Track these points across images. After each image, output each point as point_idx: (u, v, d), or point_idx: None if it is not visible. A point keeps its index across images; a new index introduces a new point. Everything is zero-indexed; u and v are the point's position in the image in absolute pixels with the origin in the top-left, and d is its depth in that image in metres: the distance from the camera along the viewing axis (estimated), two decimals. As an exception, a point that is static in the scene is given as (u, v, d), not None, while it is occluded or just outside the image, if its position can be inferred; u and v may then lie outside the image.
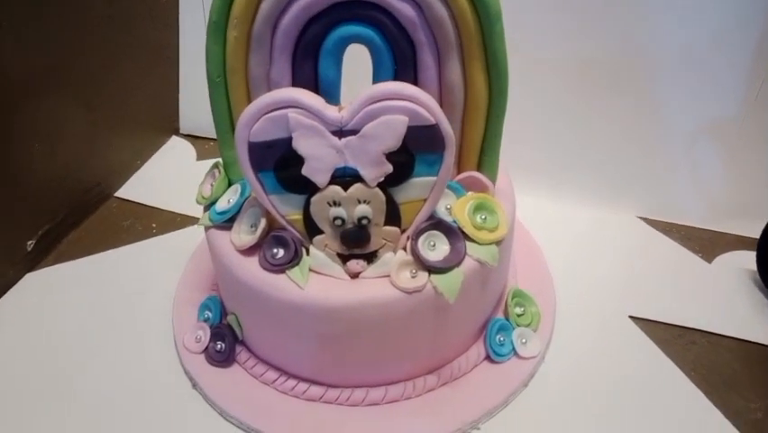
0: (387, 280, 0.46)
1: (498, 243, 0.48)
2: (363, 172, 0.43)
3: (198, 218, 0.53)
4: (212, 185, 0.53)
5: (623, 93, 0.68)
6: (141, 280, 0.64)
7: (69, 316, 0.60)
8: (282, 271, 0.47)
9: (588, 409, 0.51)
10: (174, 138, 0.84)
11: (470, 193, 0.49)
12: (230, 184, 0.52)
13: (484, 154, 0.50)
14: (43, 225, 0.66)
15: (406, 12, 0.43)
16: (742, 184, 0.67)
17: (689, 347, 0.55)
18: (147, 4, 0.76)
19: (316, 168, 0.43)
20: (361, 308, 0.45)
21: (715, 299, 0.60)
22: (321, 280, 0.46)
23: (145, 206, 0.73)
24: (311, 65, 0.46)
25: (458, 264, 0.46)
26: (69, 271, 0.65)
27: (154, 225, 0.71)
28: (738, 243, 0.65)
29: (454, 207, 0.48)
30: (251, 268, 0.47)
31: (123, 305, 0.61)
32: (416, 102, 0.41)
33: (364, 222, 0.45)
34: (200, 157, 0.82)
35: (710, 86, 0.65)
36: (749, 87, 0.64)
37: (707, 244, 0.66)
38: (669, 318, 0.57)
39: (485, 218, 0.48)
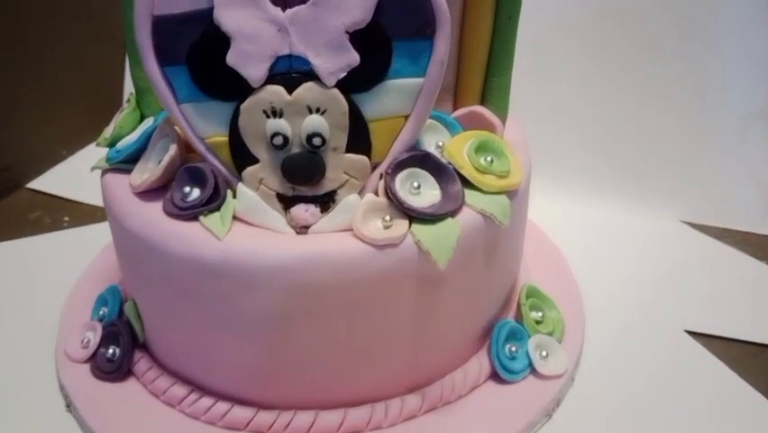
0: (349, 233, 0.31)
1: (509, 194, 0.34)
2: (316, 62, 0.30)
3: None
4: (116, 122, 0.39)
5: (660, 77, 0.56)
6: (36, 276, 0.49)
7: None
8: (194, 218, 0.32)
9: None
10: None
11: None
12: (143, 119, 0.38)
13: (491, 77, 0.36)
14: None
15: None
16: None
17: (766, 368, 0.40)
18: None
19: (248, 53, 0.30)
20: (307, 270, 0.30)
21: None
22: (251, 231, 0.31)
23: (60, 198, 0.59)
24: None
25: (452, 215, 0.32)
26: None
27: (66, 219, 0.56)
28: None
29: (448, 145, 0.34)
30: (149, 215, 0.32)
31: (8, 302, 0.46)
32: (394, -44, 0.29)
33: (316, 142, 0.31)
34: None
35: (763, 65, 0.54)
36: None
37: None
38: (736, 334, 0.42)
39: (491, 161, 0.34)
